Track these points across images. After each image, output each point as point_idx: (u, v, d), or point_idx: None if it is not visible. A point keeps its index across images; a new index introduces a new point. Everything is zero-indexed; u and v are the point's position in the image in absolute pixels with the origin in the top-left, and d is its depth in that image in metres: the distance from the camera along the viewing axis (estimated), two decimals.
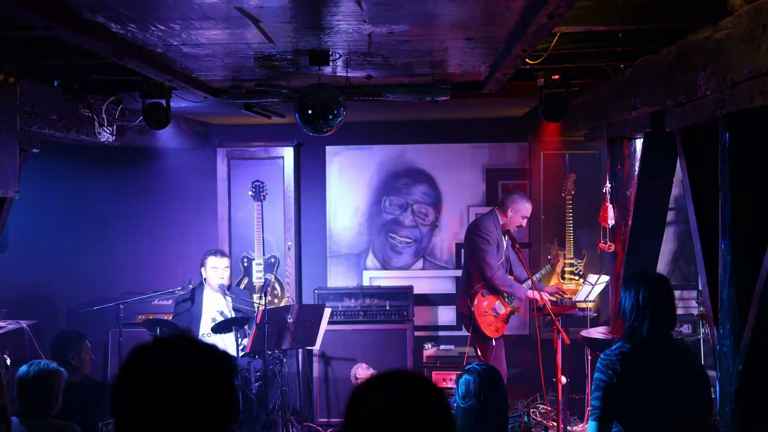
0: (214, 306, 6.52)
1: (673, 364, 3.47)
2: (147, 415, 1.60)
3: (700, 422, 3.44)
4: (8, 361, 5.41)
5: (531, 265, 7.51)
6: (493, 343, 6.47)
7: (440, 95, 5.20)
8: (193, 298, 6.57)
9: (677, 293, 7.03)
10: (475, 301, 6.47)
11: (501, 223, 6.55)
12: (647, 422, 3.40)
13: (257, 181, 7.74)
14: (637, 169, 5.27)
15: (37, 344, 6.25)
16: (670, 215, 6.70)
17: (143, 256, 7.82)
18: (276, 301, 7.68)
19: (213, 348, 1.70)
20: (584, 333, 6.05)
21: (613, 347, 3.52)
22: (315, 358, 7.25)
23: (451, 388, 6.38)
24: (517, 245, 6.47)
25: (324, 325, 6.45)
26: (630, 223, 5.34)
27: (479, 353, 6.53)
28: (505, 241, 6.55)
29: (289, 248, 7.73)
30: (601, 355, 3.52)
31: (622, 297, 3.58)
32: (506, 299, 6.54)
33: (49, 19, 3.06)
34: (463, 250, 6.88)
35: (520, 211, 6.58)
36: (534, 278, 6.48)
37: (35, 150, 4.80)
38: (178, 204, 7.88)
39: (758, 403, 3.40)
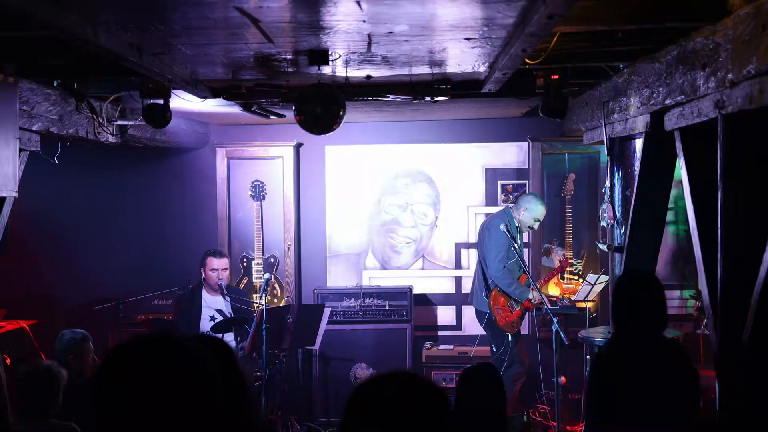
0: (214, 306, 6.53)
1: (662, 362, 3.47)
2: (127, 417, 1.54)
3: (688, 420, 3.45)
4: (8, 361, 5.41)
5: (530, 266, 7.52)
6: (509, 339, 6.51)
7: (440, 95, 5.20)
8: (192, 298, 6.58)
9: (677, 293, 7.03)
10: (493, 298, 6.52)
11: (515, 221, 6.58)
12: (637, 421, 3.40)
13: (257, 181, 7.76)
14: (637, 169, 5.27)
15: (37, 344, 6.25)
16: (670, 215, 6.70)
17: (143, 256, 7.82)
18: (276, 301, 7.68)
19: (193, 347, 1.61)
20: (583, 333, 6.05)
21: (605, 347, 3.53)
22: (315, 358, 7.24)
23: (451, 388, 6.38)
24: (516, 245, 6.47)
25: (324, 325, 6.45)
26: (629, 223, 5.34)
27: (494, 350, 6.58)
28: (518, 242, 6.56)
29: (288, 248, 7.73)
30: (593, 356, 3.54)
31: (612, 297, 3.59)
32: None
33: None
34: (477, 249, 6.91)
35: (533, 213, 6.59)
36: (531, 278, 6.48)
37: (35, 150, 4.80)
38: (177, 203, 7.88)
39: (759, 402, 3.40)
